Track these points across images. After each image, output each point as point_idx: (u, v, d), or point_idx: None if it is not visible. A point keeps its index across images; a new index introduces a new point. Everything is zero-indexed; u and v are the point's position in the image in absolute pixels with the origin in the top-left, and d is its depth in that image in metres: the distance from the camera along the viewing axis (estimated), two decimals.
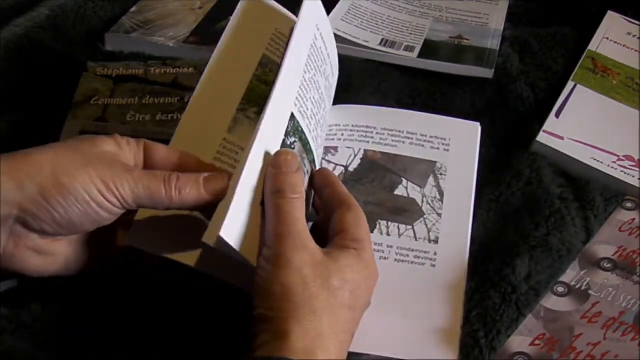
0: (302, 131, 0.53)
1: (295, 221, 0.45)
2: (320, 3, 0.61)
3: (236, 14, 0.59)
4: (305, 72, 0.55)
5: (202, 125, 0.53)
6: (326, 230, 0.49)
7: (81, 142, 0.46)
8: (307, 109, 0.54)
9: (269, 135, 0.49)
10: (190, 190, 0.46)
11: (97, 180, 0.43)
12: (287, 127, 0.51)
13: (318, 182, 0.53)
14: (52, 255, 0.46)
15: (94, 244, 0.48)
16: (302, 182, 0.48)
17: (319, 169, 0.55)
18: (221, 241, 0.43)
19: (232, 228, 0.44)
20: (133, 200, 0.45)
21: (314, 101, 0.56)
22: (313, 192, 0.53)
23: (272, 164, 0.47)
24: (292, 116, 0.52)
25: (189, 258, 0.49)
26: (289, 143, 0.51)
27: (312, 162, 0.54)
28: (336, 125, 0.65)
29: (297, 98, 0.53)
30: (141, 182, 0.45)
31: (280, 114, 0.51)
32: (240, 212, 0.45)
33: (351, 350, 0.47)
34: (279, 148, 0.49)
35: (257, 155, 0.47)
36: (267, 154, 0.48)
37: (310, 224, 0.51)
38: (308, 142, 0.54)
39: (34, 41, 0.76)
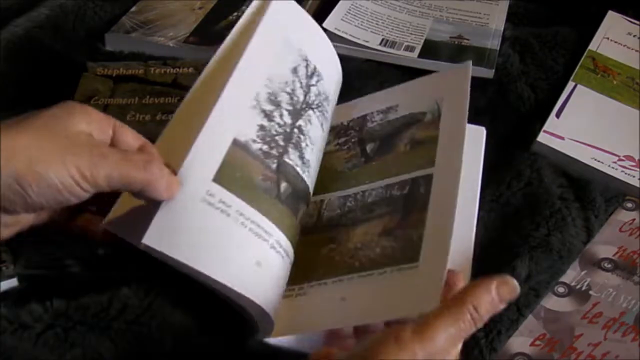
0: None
1: None
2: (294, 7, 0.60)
3: (246, 13, 0.58)
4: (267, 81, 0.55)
5: (189, 125, 0.52)
6: None
7: (57, 122, 0.45)
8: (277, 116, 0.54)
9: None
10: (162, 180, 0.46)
11: (73, 169, 0.43)
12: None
13: None
14: (17, 224, 0.47)
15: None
16: None
17: None
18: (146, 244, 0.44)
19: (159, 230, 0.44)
20: (107, 185, 0.45)
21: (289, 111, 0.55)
22: None
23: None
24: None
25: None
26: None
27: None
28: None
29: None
30: (118, 169, 0.44)
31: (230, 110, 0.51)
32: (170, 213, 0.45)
33: None
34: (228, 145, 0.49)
35: (201, 149, 0.48)
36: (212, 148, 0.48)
37: None
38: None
39: (34, 41, 0.76)
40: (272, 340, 0.49)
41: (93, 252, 0.53)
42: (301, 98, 0.56)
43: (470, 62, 0.59)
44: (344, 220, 0.55)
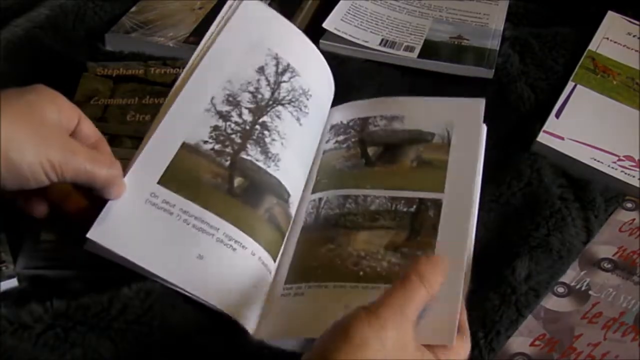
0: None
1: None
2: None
3: (218, 17, 0.61)
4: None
5: (151, 129, 0.55)
6: None
7: (32, 110, 0.46)
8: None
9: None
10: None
11: (44, 161, 0.44)
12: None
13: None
14: None
15: None
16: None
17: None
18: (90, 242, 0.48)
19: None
20: (72, 179, 0.47)
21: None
22: None
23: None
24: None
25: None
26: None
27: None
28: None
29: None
30: (85, 166, 0.47)
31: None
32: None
33: None
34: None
35: (148, 153, 0.52)
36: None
37: None
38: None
39: (34, 41, 0.76)
40: (272, 341, 0.49)
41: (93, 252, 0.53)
42: (267, 95, 0.58)
43: (483, 100, 0.61)
44: (343, 222, 0.55)
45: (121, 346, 0.49)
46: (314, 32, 0.81)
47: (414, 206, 0.55)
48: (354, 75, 0.74)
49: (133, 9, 0.82)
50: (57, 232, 0.54)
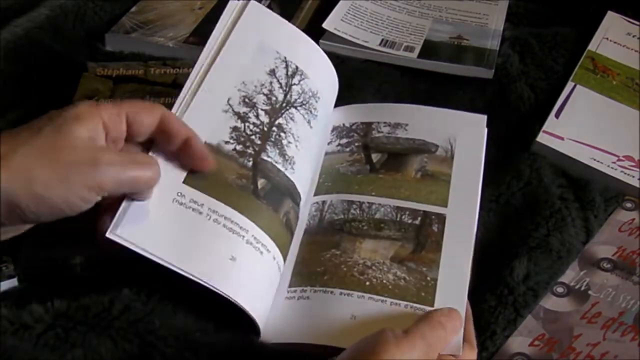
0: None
1: None
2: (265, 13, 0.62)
3: (222, 20, 0.60)
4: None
5: None
6: None
7: (60, 136, 0.42)
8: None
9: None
10: None
11: (78, 188, 0.42)
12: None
13: None
14: (16, 230, 0.45)
15: None
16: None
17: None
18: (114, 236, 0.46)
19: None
20: (115, 190, 0.44)
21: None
22: None
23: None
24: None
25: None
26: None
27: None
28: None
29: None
30: (125, 172, 0.44)
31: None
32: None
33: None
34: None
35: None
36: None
37: None
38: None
39: (34, 41, 0.76)
40: (275, 343, 0.50)
41: (94, 252, 0.53)
42: (280, 97, 0.58)
43: (485, 117, 0.61)
44: (348, 228, 0.55)
45: (122, 347, 0.49)
46: (314, 32, 0.81)
47: (419, 219, 0.55)
48: (354, 75, 0.74)
49: (133, 9, 0.82)
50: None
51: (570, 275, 0.57)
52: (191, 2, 0.84)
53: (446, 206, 0.56)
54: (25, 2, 0.82)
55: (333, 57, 0.77)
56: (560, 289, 0.56)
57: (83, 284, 0.52)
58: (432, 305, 0.49)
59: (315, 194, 0.59)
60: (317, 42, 0.79)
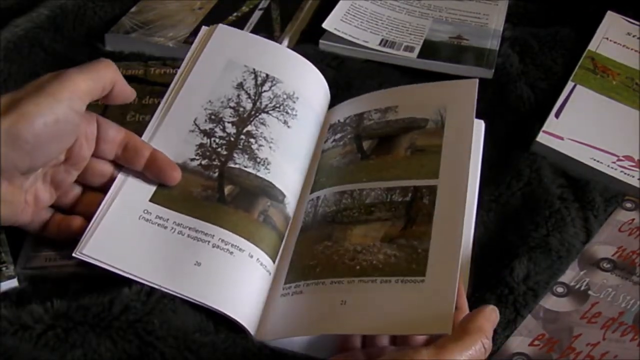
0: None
1: None
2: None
3: (194, 43, 0.63)
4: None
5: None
6: None
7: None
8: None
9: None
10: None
11: (69, 94, 0.47)
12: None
13: None
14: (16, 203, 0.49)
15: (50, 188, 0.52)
16: None
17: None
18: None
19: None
20: (92, 93, 0.49)
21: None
22: None
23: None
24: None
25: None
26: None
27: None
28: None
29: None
30: (92, 74, 0.49)
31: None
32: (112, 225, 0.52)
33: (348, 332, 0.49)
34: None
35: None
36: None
37: None
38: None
39: (34, 41, 0.76)
40: (273, 342, 0.50)
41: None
42: (249, 107, 0.60)
43: (477, 80, 0.60)
44: (340, 218, 0.55)
45: (122, 347, 0.49)
46: (314, 32, 0.81)
47: (409, 195, 0.55)
48: (354, 75, 0.75)
49: (133, 9, 0.82)
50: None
51: (570, 275, 0.57)
52: (191, 2, 0.84)
53: (437, 177, 0.55)
54: (25, 2, 0.82)
55: (333, 57, 0.78)
56: (560, 289, 0.56)
57: (83, 284, 0.52)
58: (424, 275, 0.48)
59: (312, 192, 0.59)
60: (317, 42, 0.79)
